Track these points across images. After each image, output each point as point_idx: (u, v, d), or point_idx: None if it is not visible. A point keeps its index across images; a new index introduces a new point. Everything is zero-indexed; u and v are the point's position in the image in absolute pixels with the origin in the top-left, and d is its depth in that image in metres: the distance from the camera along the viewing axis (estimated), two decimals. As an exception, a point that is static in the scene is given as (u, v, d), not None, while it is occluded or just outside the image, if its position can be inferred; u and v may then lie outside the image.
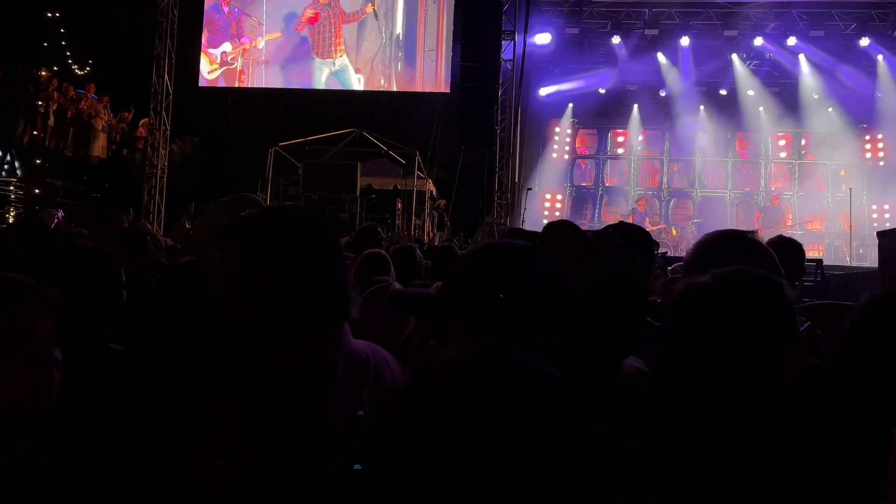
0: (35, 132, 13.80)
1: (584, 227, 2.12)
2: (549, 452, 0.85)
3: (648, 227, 13.19)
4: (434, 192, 16.70)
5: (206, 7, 15.19)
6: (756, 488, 1.27)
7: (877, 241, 6.96)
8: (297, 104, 15.28)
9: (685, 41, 15.07)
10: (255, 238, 1.48)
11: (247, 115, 15.06)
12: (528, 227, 12.24)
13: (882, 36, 14.71)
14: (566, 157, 17.91)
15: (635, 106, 17.30)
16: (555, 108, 17.47)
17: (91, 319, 1.99)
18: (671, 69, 16.06)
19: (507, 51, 13.67)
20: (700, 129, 17.24)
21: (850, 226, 14.18)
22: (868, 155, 16.85)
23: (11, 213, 12.86)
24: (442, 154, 15.22)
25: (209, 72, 15.23)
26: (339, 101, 15.46)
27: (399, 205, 14.68)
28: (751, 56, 15.97)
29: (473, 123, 13.01)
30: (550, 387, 0.89)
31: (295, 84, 15.21)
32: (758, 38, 14.98)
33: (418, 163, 15.25)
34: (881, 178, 16.15)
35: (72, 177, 14.70)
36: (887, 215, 15.50)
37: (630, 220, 9.90)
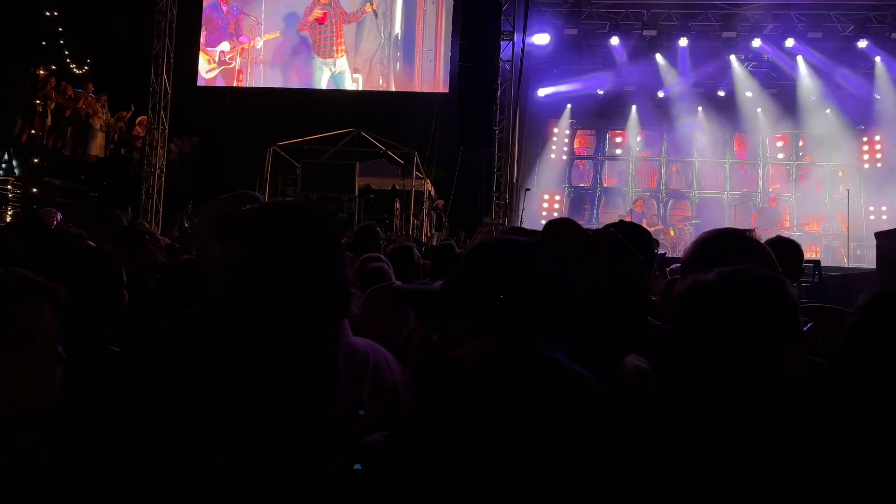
0: (33, 131, 13.78)
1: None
2: (582, 449, 0.85)
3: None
4: (432, 193, 16.70)
5: (204, 6, 15.17)
6: (757, 488, 1.27)
7: (874, 243, 6.97)
8: (295, 104, 15.27)
9: (683, 42, 15.08)
10: (257, 232, 1.47)
11: (245, 114, 15.05)
12: (526, 227, 12.22)
13: (880, 38, 14.74)
14: (564, 157, 17.91)
15: (634, 107, 17.30)
16: (553, 108, 17.47)
17: (92, 320, 1.99)
18: (669, 70, 16.07)
19: (505, 51, 13.67)
20: (698, 130, 17.26)
21: (848, 227, 14.20)
22: (866, 156, 16.87)
23: (9, 213, 12.84)
24: (440, 154, 15.22)
25: (207, 71, 15.21)
26: (338, 101, 15.45)
27: (397, 205, 14.67)
28: (749, 57, 15.99)
29: (472, 124, 13.01)
30: (580, 382, 0.88)
31: (295, 84, 15.20)
32: (756, 39, 14.99)
33: (417, 163, 15.25)
34: (879, 179, 16.18)
35: (70, 176, 14.69)
36: (884, 216, 15.51)
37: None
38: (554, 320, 1.16)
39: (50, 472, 1.48)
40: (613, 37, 15.29)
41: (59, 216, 7.11)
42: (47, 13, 16.61)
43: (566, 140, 17.90)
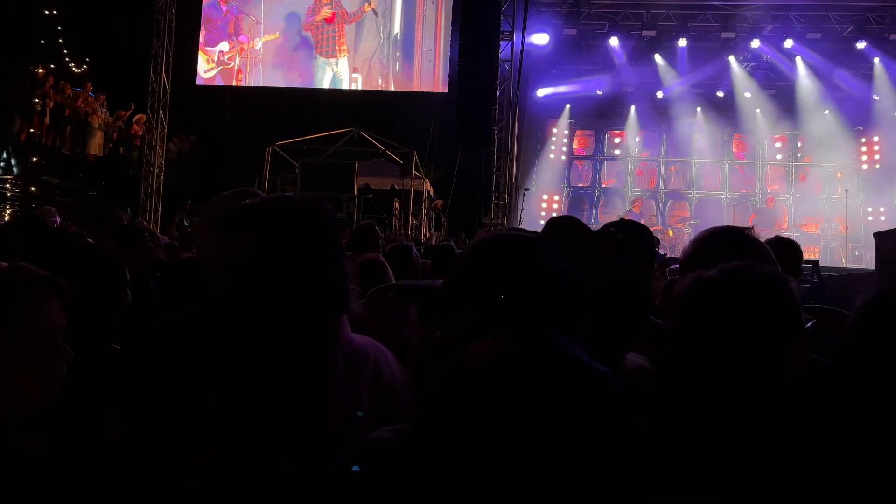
0: (32, 130, 13.76)
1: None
2: (605, 447, 0.84)
3: (645, 228, 13.15)
4: (431, 192, 16.70)
5: (203, 5, 15.15)
6: (758, 486, 1.27)
7: (872, 244, 6.97)
8: (294, 103, 15.27)
9: (683, 43, 15.09)
10: (257, 226, 1.47)
11: (244, 113, 15.04)
12: (525, 227, 12.22)
13: (879, 39, 14.75)
14: (563, 157, 17.92)
15: (632, 107, 17.31)
16: (552, 108, 17.47)
17: (94, 317, 1.99)
18: (669, 71, 16.08)
19: (504, 51, 13.66)
20: (697, 130, 17.27)
21: (847, 228, 14.21)
22: (864, 157, 16.89)
23: (7, 211, 12.83)
24: (439, 154, 15.22)
25: (206, 71, 15.20)
26: (337, 101, 15.45)
27: (396, 204, 14.66)
28: (748, 58, 16.00)
29: (471, 123, 12.99)
30: (602, 381, 0.88)
31: (296, 83, 15.19)
32: (755, 40, 15.00)
33: (416, 162, 15.25)
34: (877, 180, 16.21)
35: (68, 175, 14.67)
36: (883, 217, 15.52)
37: (627, 221, 9.86)
38: (558, 316, 1.16)
39: (49, 470, 1.47)
40: (613, 37, 15.30)
41: (57, 217, 7.07)
42: (46, 12, 16.58)
43: (565, 140, 17.90)
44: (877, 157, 16.64)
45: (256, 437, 1.42)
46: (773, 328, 1.32)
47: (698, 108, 17.00)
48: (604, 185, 18.06)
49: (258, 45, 15.17)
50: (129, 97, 15.81)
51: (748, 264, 1.38)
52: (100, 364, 1.79)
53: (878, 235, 6.39)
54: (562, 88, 17.06)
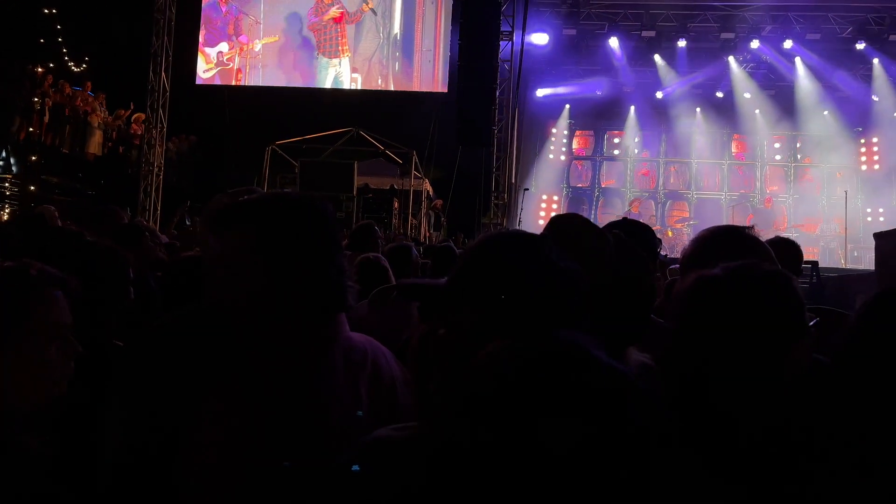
0: (31, 129, 13.75)
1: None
2: (630, 446, 0.84)
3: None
4: (431, 192, 16.69)
5: (203, 5, 15.15)
6: (758, 485, 1.27)
7: (871, 244, 6.98)
8: (294, 103, 15.26)
9: (682, 43, 15.10)
10: (257, 221, 1.46)
11: (244, 113, 15.03)
12: (524, 228, 12.24)
13: (878, 40, 14.76)
14: (563, 157, 17.93)
15: (632, 108, 17.32)
16: (552, 108, 17.48)
17: (97, 315, 1.99)
18: (668, 71, 16.09)
19: (504, 51, 13.67)
20: (696, 130, 17.28)
21: (846, 229, 14.22)
22: (863, 158, 16.90)
23: (7, 210, 12.82)
24: (439, 154, 15.22)
25: (205, 70, 15.20)
26: (337, 101, 15.44)
27: (396, 204, 14.65)
28: (747, 59, 16.00)
29: (471, 123, 12.99)
30: (624, 381, 0.87)
31: (298, 82, 15.19)
32: (754, 41, 15.01)
33: (415, 162, 15.24)
34: (876, 181, 16.22)
35: (67, 174, 14.66)
36: (882, 218, 15.54)
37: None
38: (558, 315, 1.16)
39: (50, 470, 1.48)
40: (612, 37, 15.31)
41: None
42: (46, 11, 16.57)
43: (564, 140, 17.91)
44: (876, 157, 16.66)
45: (256, 436, 1.41)
46: (778, 326, 1.32)
47: (698, 109, 17.01)
48: (603, 186, 18.07)
49: (257, 46, 15.16)
50: (128, 96, 15.80)
51: (752, 262, 1.38)
52: (103, 362, 1.79)
53: (877, 236, 6.39)
54: (561, 89, 17.07)
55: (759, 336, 1.31)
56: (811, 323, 1.36)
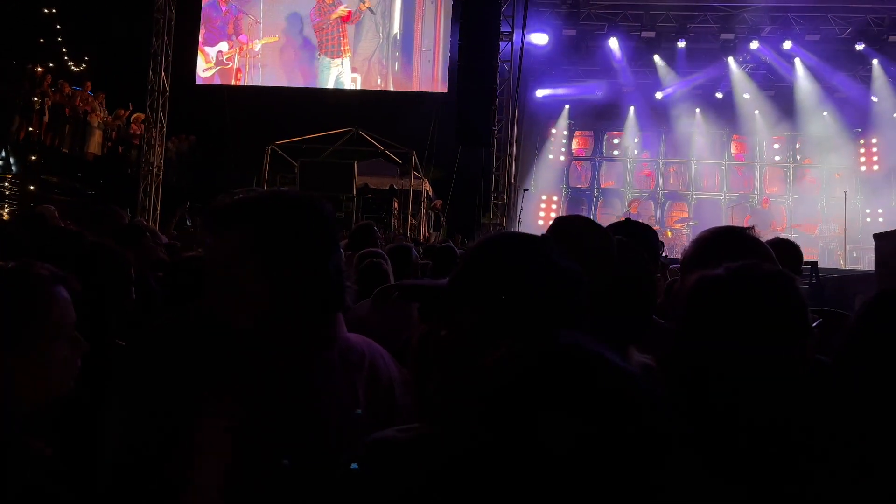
0: (31, 129, 13.75)
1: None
2: (644, 447, 0.84)
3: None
4: (430, 192, 16.69)
5: (203, 5, 15.14)
6: (759, 485, 1.27)
7: (871, 245, 6.98)
8: (294, 103, 15.25)
9: (682, 44, 15.11)
10: (253, 222, 1.45)
11: (243, 113, 15.02)
12: (524, 228, 12.25)
13: (878, 41, 14.77)
14: (562, 158, 17.94)
15: (631, 108, 17.33)
16: (551, 109, 17.49)
17: (101, 315, 1.99)
18: (668, 72, 16.10)
19: (504, 51, 13.67)
20: (696, 131, 17.29)
21: (845, 229, 14.23)
22: (863, 159, 16.91)
23: (6, 210, 12.81)
24: (438, 154, 15.22)
25: (204, 70, 15.19)
26: (336, 101, 15.44)
27: (395, 204, 14.65)
28: (747, 59, 16.00)
29: (470, 123, 12.98)
30: (634, 382, 0.87)
31: (299, 83, 15.19)
32: (754, 41, 15.02)
33: (415, 162, 15.24)
34: (875, 182, 16.23)
35: (67, 174, 14.66)
36: (881, 219, 15.54)
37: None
38: (559, 316, 1.16)
39: (52, 465, 1.48)
40: (612, 38, 15.31)
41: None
42: (45, 10, 16.56)
43: (564, 141, 17.91)
44: (875, 158, 16.67)
45: (255, 435, 1.41)
46: (780, 327, 1.33)
47: (697, 109, 17.02)
48: (602, 186, 18.08)
49: (257, 46, 15.16)
50: (128, 96, 15.79)
51: (754, 263, 1.39)
52: (104, 362, 1.80)
53: (877, 237, 6.40)
54: (561, 89, 17.08)
55: (760, 336, 1.31)
56: (814, 324, 1.36)
